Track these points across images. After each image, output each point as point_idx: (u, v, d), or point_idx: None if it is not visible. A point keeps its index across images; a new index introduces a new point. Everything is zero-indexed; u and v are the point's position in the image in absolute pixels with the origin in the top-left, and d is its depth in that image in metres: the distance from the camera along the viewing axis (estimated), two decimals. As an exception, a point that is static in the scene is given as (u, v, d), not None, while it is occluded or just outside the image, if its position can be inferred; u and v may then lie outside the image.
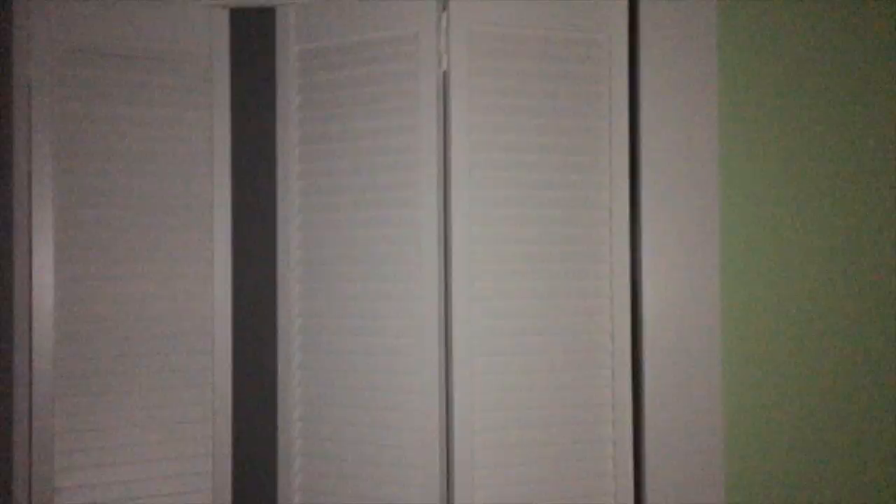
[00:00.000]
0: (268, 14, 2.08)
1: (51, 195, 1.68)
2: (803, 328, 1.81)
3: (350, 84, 1.80)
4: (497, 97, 1.74)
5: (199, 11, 1.82)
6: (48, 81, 1.69)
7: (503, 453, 1.73)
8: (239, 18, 2.17)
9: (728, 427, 1.78)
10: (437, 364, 1.71)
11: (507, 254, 1.74)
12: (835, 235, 1.81)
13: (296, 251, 1.85)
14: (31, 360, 1.66)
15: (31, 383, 1.66)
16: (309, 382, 1.83)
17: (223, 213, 1.83)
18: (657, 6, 1.79)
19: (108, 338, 1.73)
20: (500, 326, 1.74)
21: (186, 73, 1.81)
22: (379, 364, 1.76)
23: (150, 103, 1.78)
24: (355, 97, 1.79)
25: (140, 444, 1.75)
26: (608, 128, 1.78)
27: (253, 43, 2.07)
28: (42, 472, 1.66)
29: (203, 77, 1.82)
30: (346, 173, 1.80)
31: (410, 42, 1.74)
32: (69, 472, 1.69)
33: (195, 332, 1.81)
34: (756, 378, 1.80)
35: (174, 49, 1.80)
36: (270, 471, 1.91)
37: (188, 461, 1.79)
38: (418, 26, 1.73)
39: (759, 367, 1.79)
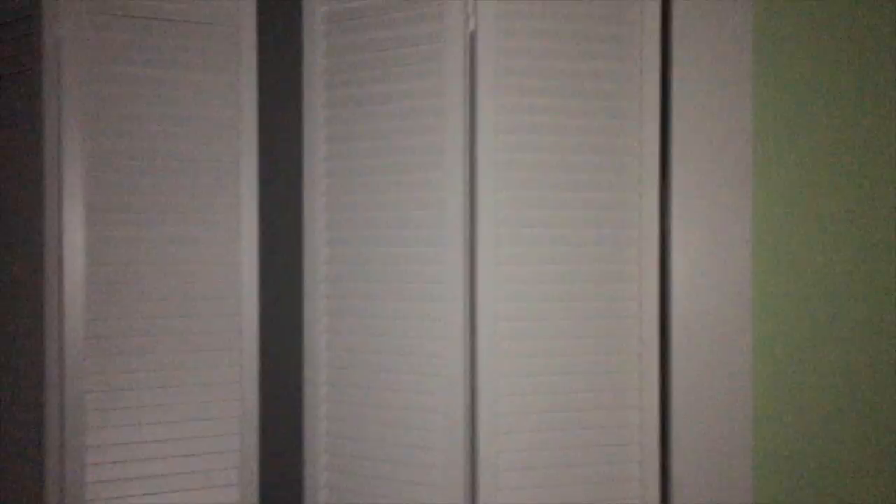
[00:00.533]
0: (293, -22, 2.07)
1: (80, 157, 1.70)
2: (839, 309, 1.78)
3: (377, 46, 1.79)
4: (525, 59, 1.72)
5: (226, -26, 1.82)
6: (77, 44, 1.70)
7: (527, 426, 1.74)
8: (264, -17, 2.16)
9: (756, 410, 1.77)
10: (462, 324, 1.71)
11: (533, 218, 1.73)
12: (872, 214, 1.78)
13: (321, 214, 1.86)
14: (62, 321, 1.69)
15: (62, 343, 1.69)
16: (335, 346, 1.84)
17: (250, 176, 1.84)
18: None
19: (137, 299, 1.75)
20: (524, 292, 1.74)
21: (214, 36, 1.81)
22: (409, 328, 1.77)
23: (178, 66, 1.78)
24: (382, 59, 1.78)
25: (170, 404, 1.78)
26: (639, 92, 1.76)
27: (279, 5, 2.06)
28: (74, 429, 1.69)
29: (230, 40, 1.82)
30: (373, 136, 1.80)
31: (437, 3, 1.72)
32: (101, 431, 1.72)
33: (222, 294, 1.82)
34: (787, 358, 1.78)
35: (201, 12, 1.80)
36: (296, 432, 1.93)
37: (216, 422, 1.82)
38: (445, -13, 1.72)
39: (790, 347, 1.78)
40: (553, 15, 1.73)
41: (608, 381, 1.76)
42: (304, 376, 1.87)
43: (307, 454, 1.86)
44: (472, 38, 1.71)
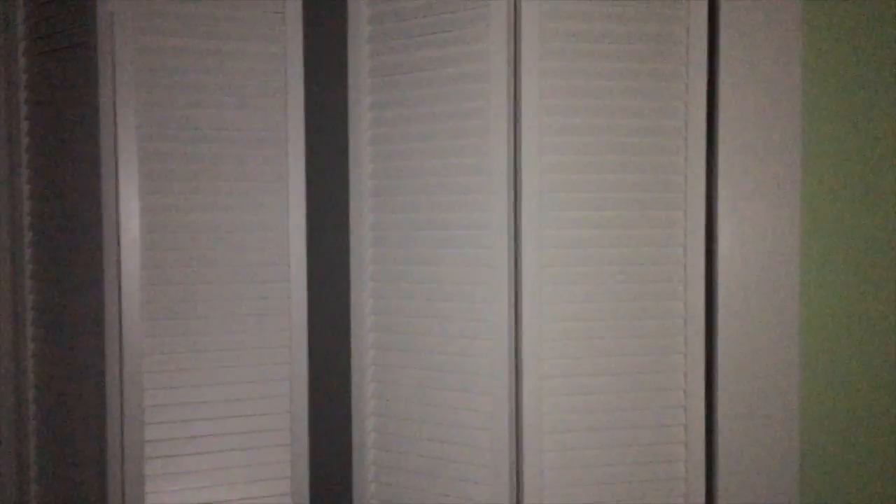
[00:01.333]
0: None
1: (134, 126, 1.75)
2: (891, 284, 1.75)
3: (421, 12, 1.80)
4: (570, 41, 1.71)
5: (272, -56, 1.84)
6: (130, 16, 1.74)
7: (569, 405, 1.76)
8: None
9: (803, 407, 1.76)
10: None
11: (579, 183, 1.74)
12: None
13: (367, 181, 1.89)
14: (120, 286, 1.75)
15: (120, 307, 1.75)
16: (380, 311, 1.88)
17: (297, 144, 1.87)
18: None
19: (190, 264, 1.81)
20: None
21: (261, 6, 1.84)
22: (448, 304, 1.80)
23: (227, 36, 1.81)
24: (425, 25, 1.79)
25: (222, 367, 1.84)
26: (685, 54, 1.74)
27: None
28: (133, 391, 1.76)
29: (276, 9, 1.85)
30: (417, 103, 1.81)
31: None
32: (158, 391, 1.79)
33: (271, 260, 1.87)
34: (836, 335, 1.76)
35: (248, -18, 1.83)
36: (344, 392, 1.98)
37: (267, 384, 1.87)
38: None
39: (839, 324, 1.75)
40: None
41: (652, 380, 1.77)
42: (352, 338, 1.92)
43: (355, 419, 1.91)
44: (517, 12, 1.71)
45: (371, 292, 1.90)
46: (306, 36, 1.88)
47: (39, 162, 1.90)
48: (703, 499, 1.78)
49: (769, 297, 1.77)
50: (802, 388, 1.77)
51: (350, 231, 1.91)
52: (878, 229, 1.76)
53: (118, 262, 1.75)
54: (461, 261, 1.78)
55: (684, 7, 1.74)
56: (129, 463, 1.76)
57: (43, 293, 1.91)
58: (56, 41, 1.83)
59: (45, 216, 1.89)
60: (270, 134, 1.86)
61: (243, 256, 1.85)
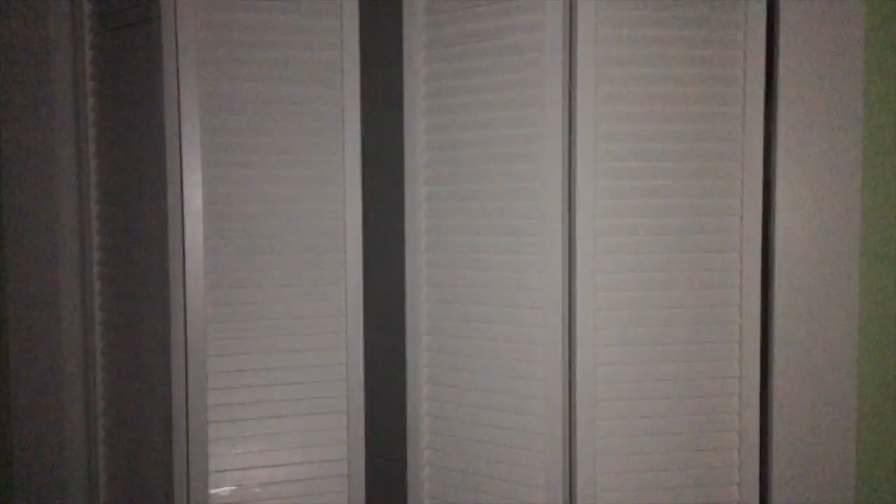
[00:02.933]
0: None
1: (197, 100, 1.79)
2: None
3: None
4: (628, 9, 1.71)
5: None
6: (191, -8, 1.79)
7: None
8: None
9: (861, 402, 1.74)
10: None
11: (633, 171, 1.74)
12: None
13: (422, 154, 1.91)
14: (184, 255, 1.80)
15: (184, 276, 1.80)
16: (434, 281, 1.91)
17: (353, 117, 1.90)
18: None
19: (250, 235, 1.85)
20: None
21: (317, -19, 1.87)
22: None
23: (284, 11, 1.84)
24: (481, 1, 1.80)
25: (281, 334, 1.89)
26: (743, 24, 1.72)
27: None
28: (197, 357, 1.82)
29: (333, -16, 1.88)
30: (472, 74, 1.82)
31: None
32: (220, 358, 1.85)
33: (328, 231, 1.91)
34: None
35: (305, -43, 1.85)
36: (399, 361, 2.02)
37: (324, 352, 1.92)
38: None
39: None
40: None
41: (707, 369, 1.76)
42: (407, 319, 1.95)
43: (410, 395, 1.95)
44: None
45: (426, 263, 1.93)
46: (362, 8, 1.91)
47: (105, 137, 1.96)
48: (756, 489, 1.77)
49: (828, 285, 1.75)
50: (861, 377, 1.75)
51: (404, 202, 1.94)
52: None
53: (182, 232, 1.80)
54: (514, 234, 1.80)
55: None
56: (193, 426, 1.82)
57: (110, 263, 1.98)
58: (121, 18, 1.88)
59: (111, 190, 1.96)
60: (327, 107, 1.89)
61: (300, 227, 1.89)
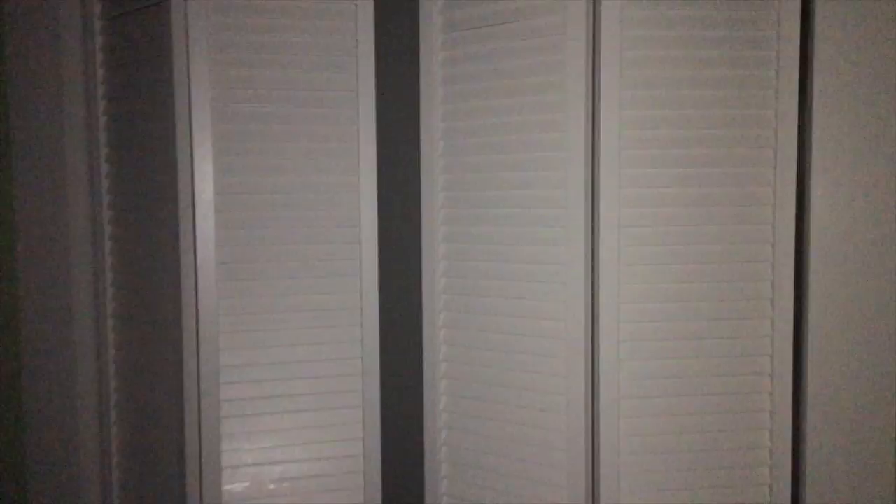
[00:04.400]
0: None
1: (208, 86, 1.74)
2: None
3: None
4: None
5: None
6: (201, -25, 1.73)
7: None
8: None
9: None
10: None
11: (660, 159, 1.66)
12: None
13: (439, 141, 1.85)
14: (195, 246, 1.76)
15: (196, 268, 1.76)
16: (452, 273, 1.85)
17: (368, 104, 1.84)
18: None
19: (263, 225, 1.81)
20: (647, 236, 1.68)
21: (330, -37, 1.81)
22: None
23: (297, -6, 1.79)
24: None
25: (295, 328, 1.84)
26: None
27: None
28: (209, 350, 1.78)
29: (347, -34, 1.82)
30: (490, 58, 1.76)
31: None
32: (233, 352, 1.80)
33: (343, 221, 1.85)
34: None
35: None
36: (416, 355, 1.97)
37: (339, 345, 1.87)
38: None
39: None
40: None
41: (738, 365, 1.69)
42: (423, 307, 1.90)
43: (427, 388, 1.90)
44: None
45: (443, 255, 1.87)
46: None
47: (116, 124, 1.92)
48: (788, 490, 1.70)
49: (864, 280, 1.67)
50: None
51: (421, 193, 1.88)
52: None
53: (193, 222, 1.76)
54: (536, 225, 1.74)
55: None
56: (206, 421, 1.78)
57: (121, 255, 1.94)
58: (131, 2, 1.83)
59: (121, 177, 1.92)
60: (341, 93, 1.83)
61: (315, 217, 1.84)
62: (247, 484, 1.82)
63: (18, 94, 1.94)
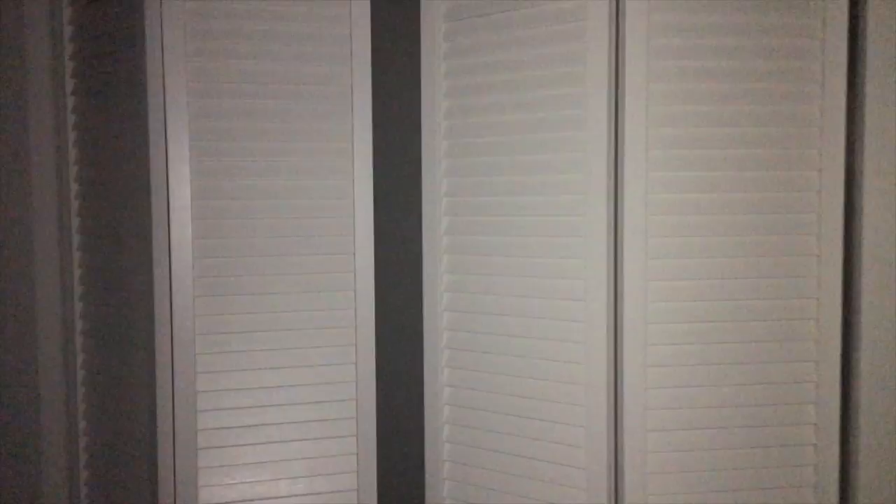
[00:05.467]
0: None
1: (184, 80, 1.57)
2: None
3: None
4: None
5: None
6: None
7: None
8: None
9: None
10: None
11: (691, 160, 1.48)
12: None
13: (442, 141, 1.66)
14: (170, 258, 1.58)
15: (171, 281, 1.58)
16: (455, 287, 1.66)
17: (363, 101, 1.66)
18: None
19: (245, 234, 1.63)
20: (678, 225, 1.49)
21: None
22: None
23: (284, -23, 1.61)
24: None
25: (282, 349, 1.65)
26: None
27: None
28: (185, 374, 1.59)
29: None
30: (499, 47, 1.57)
31: None
32: (211, 375, 1.62)
33: (335, 230, 1.67)
34: None
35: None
36: (417, 377, 1.78)
37: (331, 368, 1.68)
38: None
39: None
40: None
41: (779, 371, 1.51)
42: (424, 314, 1.71)
43: (428, 408, 1.71)
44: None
45: (446, 267, 1.68)
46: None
47: (86, 122, 1.74)
48: (836, 490, 1.51)
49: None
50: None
51: (423, 199, 1.69)
52: None
53: (168, 230, 1.57)
54: (550, 231, 1.55)
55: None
56: (181, 454, 1.60)
57: (91, 266, 1.75)
58: (100, -13, 1.66)
59: (91, 181, 1.73)
60: (334, 87, 1.65)
61: (304, 225, 1.65)
62: (227, 523, 1.64)
63: (-22, 88, 1.76)
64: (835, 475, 1.50)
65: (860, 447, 1.51)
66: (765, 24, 1.45)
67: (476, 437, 1.66)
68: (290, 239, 1.65)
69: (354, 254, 1.68)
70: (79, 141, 1.76)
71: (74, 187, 1.77)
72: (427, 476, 1.72)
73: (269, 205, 1.63)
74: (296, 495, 1.67)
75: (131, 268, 1.64)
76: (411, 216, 1.78)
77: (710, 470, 1.50)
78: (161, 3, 1.55)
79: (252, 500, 1.65)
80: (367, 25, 1.65)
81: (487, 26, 1.58)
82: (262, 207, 1.63)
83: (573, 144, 1.51)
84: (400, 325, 1.89)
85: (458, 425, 1.68)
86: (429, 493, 1.71)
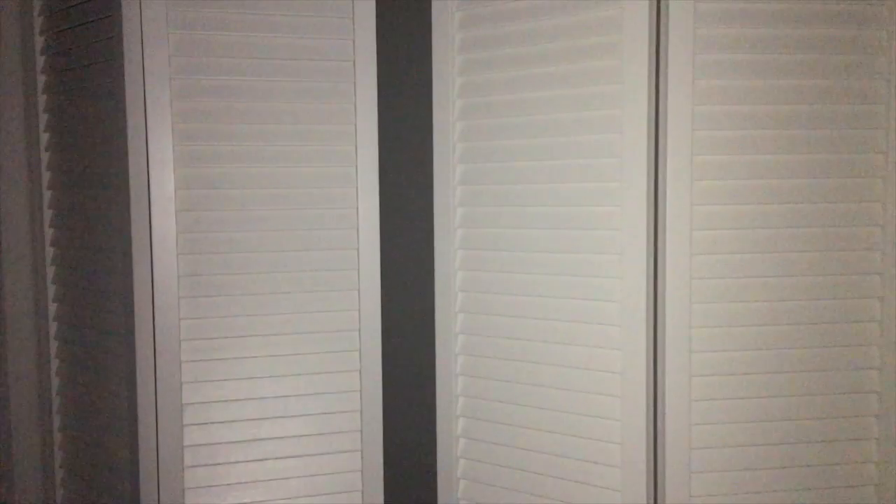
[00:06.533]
0: None
1: (166, 55, 1.39)
2: None
3: None
4: None
5: None
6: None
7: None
8: None
9: None
10: (644, 296, 1.32)
11: (739, 161, 1.30)
12: None
13: (456, 123, 1.49)
14: (152, 256, 1.41)
15: (153, 282, 1.42)
16: (470, 308, 1.49)
17: (368, 77, 1.49)
18: None
19: (236, 229, 1.45)
20: (725, 215, 1.32)
21: None
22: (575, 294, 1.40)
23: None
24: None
25: (277, 356, 1.49)
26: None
27: None
28: (169, 384, 1.43)
29: None
30: (527, 34, 1.40)
31: None
32: (198, 385, 1.45)
33: (336, 223, 1.50)
34: None
35: None
36: (428, 383, 1.61)
37: (332, 376, 1.51)
38: None
39: None
40: None
41: (833, 358, 1.34)
42: (437, 333, 1.54)
43: (440, 419, 1.54)
44: None
45: (460, 263, 1.51)
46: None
47: (58, 103, 1.56)
48: None
49: None
50: None
51: (434, 187, 1.52)
52: None
53: (149, 224, 1.40)
54: (581, 223, 1.38)
55: None
56: (165, 472, 1.43)
57: (65, 263, 1.58)
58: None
59: (64, 169, 1.56)
60: (335, 63, 1.48)
61: (302, 217, 1.48)
62: (217, 549, 1.47)
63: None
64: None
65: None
66: (827, 11, 1.28)
67: (495, 477, 1.49)
68: (287, 233, 1.48)
69: (358, 249, 1.51)
70: (50, 124, 1.58)
71: (46, 175, 1.60)
72: (440, 492, 1.55)
73: (263, 194, 1.46)
74: (294, 517, 1.51)
75: (109, 265, 1.47)
76: (422, 207, 1.60)
77: (756, 468, 1.33)
78: (139, -33, 1.37)
79: (245, 523, 1.48)
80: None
81: (509, 15, 1.41)
82: (255, 197, 1.46)
83: (608, 124, 1.33)
84: (409, 327, 1.71)
85: (473, 460, 1.51)
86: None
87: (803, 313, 1.32)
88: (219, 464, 1.47)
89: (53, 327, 1.62)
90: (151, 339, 1.42)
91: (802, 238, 1.31)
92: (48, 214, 1.61)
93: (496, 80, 1.43)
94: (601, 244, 1.35)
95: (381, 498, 1.54)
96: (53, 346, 1.62)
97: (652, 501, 1.35)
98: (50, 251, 1.61)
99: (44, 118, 1.59)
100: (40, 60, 1.59)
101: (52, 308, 1.62)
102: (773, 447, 1.33)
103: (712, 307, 1.31)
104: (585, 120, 1.35)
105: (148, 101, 1.40)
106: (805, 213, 1.30)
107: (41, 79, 1.59)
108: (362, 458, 1.53)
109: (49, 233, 1.61)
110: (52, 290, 1.62)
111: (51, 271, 1.61)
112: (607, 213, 1.34)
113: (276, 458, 1.50)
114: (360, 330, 1.52)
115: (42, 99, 1.59)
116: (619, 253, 1.33)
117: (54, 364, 1.62)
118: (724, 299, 1.31)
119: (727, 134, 1.29)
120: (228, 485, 1.48)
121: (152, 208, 1.41)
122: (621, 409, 1.35)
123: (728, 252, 1.30)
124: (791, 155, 1.30)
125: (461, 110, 1.48)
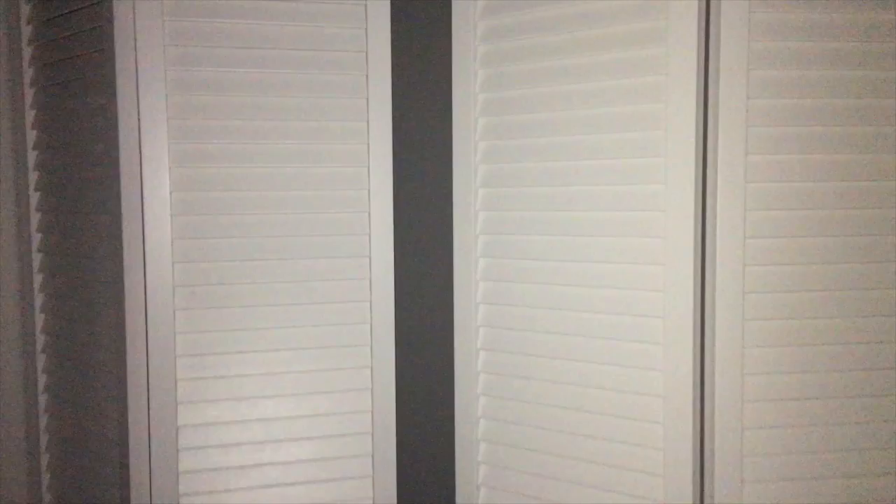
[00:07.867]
0: None
1: (161, 44, 1.28)
2: None
3: None
4: None
5: None
6: None
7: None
8: None
9: None
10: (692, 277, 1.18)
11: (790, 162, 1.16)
12: None
13: (479, 118, 1.36)
14: (145, 262, 1.29)
15: (146, 292, 1.30)
16: (492, 322, 1.36)
17: (381, 69, 1.36)
18: None
19: (235, 234, 1.33)
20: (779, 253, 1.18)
21: None
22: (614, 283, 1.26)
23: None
24: None
25: (280, 372, 1.36)
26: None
27: None
28: (164, 405, 1.31)
29: None
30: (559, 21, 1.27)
31: None
32: (195, 406, 1.33)
33: (346, 229, 1.37)
34: None
35: None
36: (447, 393, 1.48)
37: (343, 394, 1.39)
38: None
39: None
40: None
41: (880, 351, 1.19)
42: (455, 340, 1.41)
43: (458, 430, 1.41)
44: None
45: (482, 273, 1.38)
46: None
47: (47, 98, 1.45)
48: None
49: None
50: None
51: (454, 190, 1.39)
52: None
53: (142, 229, 1.28)
54: (618, 233, 1.24)
55: None
56: (159, 501, 1.30)
57: (53, 270, 1.46)
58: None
59: (53, 169, 1.44)
60: (346, 54, 1.35)
61: (309, 222, 1.36)
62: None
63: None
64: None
65: None
66: None
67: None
68: (292, 239, 1.35)
69: (370, 257, 1.38)
70: (38, 121, 1.46)
71: (34, 176, 1.48)
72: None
73: (267, 197, 1.34)
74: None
75: (99, 273, 1.35)
76: (440, 212, 1.47)
77: (818, 478, 1.20)
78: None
79: (245, 555, 1.36)
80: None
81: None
82: (258, 200, 1.33)
83: (650, 119, 1.19)
84: (425, 342, 1.58)
85: (493, 488, 1.38)
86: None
87: (881, 330, 1.18)
88: (217, 491, 1.35)
89: (41, 340, 1.50)
90: (144, 354, 1.30)
91: (872, 247, 1.17)
92: (36, 218, 1.49)
93: (523, 72, 1.30)
94: (642, 253, 1.21)
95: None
96: (41, 359, 1.50)
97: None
98: (38, 257, 1.49)
99: (31, 114, 1.48)
100: (27, 51, 1.47)
101: (40, 319, 1.50)
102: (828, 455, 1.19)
103: (767, 325, 1.17)
104: (625, 115, 1.21)
105: (141, 94, 1.27)
106: (876, 218, 1.16)
107: (28, 72, 1.47)
108: (373, 484, 1.41)
109: (37, 238, 1.49)
110: (39, 299, 1.50)
111: (38, 279, 1.49)
112: (649, 219, 1.20)
113: (280, 485, 1.37)
114: (371, 345, 1.39)
115: (29, 93, 1.47)
116: (662, 263, 1.20)
117: (42, 379, 1.50)
118: (780, 316, 1.17)
119: (786, 131, 1.15)
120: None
121: (145, 212, 1.29)
122: (664, 436, 1.21)
123: (787, 263, 1.17)
124: (861, 155, 1.16)
125: (484, 105, 1.35)
